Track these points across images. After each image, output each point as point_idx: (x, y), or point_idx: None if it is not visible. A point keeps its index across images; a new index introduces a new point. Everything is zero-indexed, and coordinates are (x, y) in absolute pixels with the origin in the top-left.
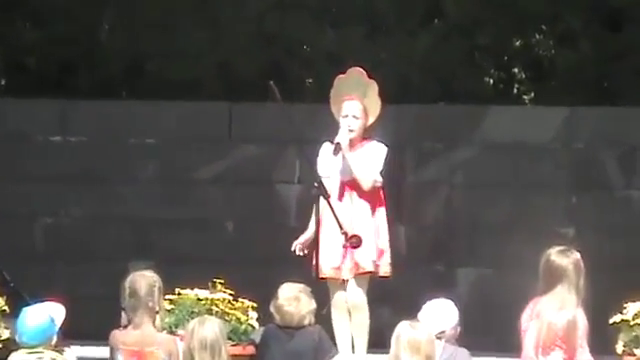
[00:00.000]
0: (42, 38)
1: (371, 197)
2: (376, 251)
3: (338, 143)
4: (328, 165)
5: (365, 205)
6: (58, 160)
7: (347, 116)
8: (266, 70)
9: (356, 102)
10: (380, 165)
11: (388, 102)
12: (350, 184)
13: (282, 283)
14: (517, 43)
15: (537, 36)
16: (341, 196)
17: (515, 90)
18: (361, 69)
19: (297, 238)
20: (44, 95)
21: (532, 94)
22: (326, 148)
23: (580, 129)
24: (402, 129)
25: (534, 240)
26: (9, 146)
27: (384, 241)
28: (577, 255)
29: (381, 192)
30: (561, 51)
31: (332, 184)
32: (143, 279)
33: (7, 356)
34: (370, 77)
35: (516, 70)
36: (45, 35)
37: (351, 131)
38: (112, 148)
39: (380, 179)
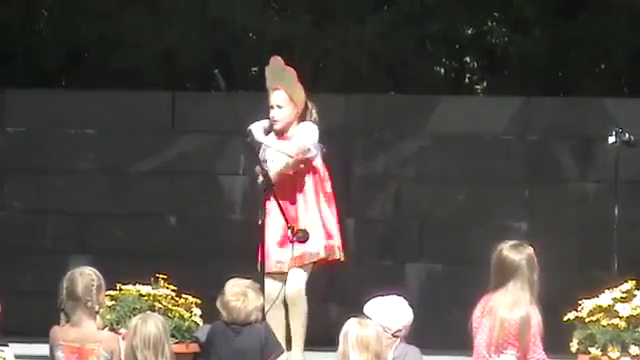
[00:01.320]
0: None
1: (309, 182)
2: (324, 236)
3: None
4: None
5: (306, 191)
6: None
7: (272, 107)
8: (210, 58)
9: (280, 92)
10: (306, 138)
11: (336, 92)
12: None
13: (227, 278)
14: (469, 31)
15: (490, 24)
16: (282, 185)
17: (467, 80)
18: (279, 57)
19: (242, 231)
20: None
21: (484, 84)
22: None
23: (533, 120)
24: (350, 119)
25: (486, 235)
26: None
27: (332, 225)
28: (530, 250)
29: (320, 176)
30: (514, 39)
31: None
32: (81, 278)
33: None
34: (287, 64)
35: (468, 59)
36: None
37: (275, 121)
38: (51, 139)
39: (314, 151)
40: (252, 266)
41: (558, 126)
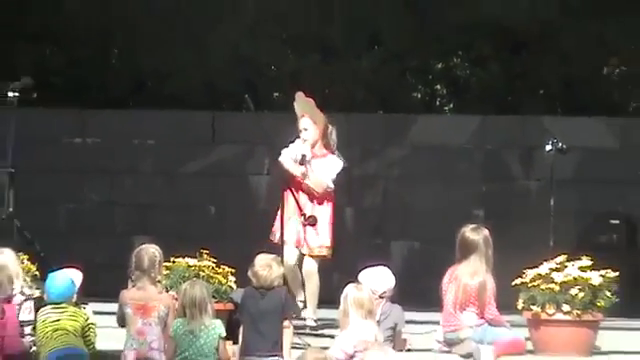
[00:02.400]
0: (66, 61)
1: (323, 197)
2: (328, 238)
3: (304, 155)
4: (293, 155)
5: (319, 202)
6: (78, 157)
7: (301, 130)
8: (242, 86)
9: (305, 118)
10: (334, 175)
11: (338, 111)
12: (308, 186)
13: (255, 254)
14: (439, 66)
15: (455, 60)
16: (301, 192)
17: (438, 102)
18: (301, 92)
19: (266, 219)
20: (67, 106)
21: (451, 105)
22: (300, 145)
23: (489, 133)
24: (350, 133)
25: (452, 220)
26: (40, 146)
27: (328, 232)
28: (486, 232)
29: (332, 196)
30: (474, 72)
31: (295, 182)
32: (147, 255)
33: (38, 310)
34: (307, 96)
35: (438, 87)
36: (68, 58)
37: (305, 140)
38: (120, 147)
39: (332, 186)
40: (270, 249)
41: (508, 138)
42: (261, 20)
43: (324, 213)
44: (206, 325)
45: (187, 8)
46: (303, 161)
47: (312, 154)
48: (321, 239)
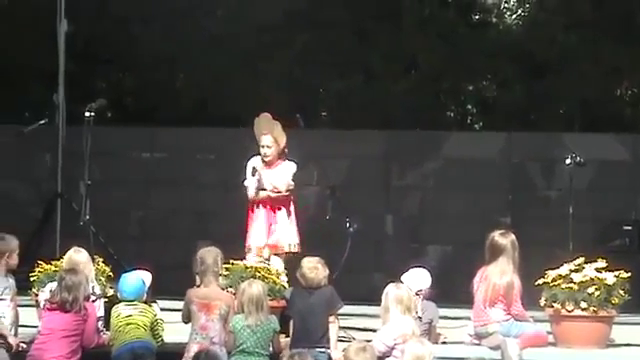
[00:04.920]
0: (136, 84)
1: (286, 199)
2: (296, 235)
3: (254, 167)
4: (253, 174)
5: (283, 205)
6: (147, 170)
7: (263, 146)
8: (294, 106)
9: (268, 136)
10: (291, 175)
11: (380, 129)
12: (270, 197)
13: (303, 257)
14: (470, 88)
15: (484, 83)
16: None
17: (468, 120)
18: (268, 114)
19: (312, 226)
20: (138, 124)
21: (480, 123)
22: (253, 160)
23: (515, 148)
24: (390, 148)
25: (482, 226)
26: (113, 160)
27: (295, 228)
28: (513, 236)
29: (291, 199)
30: (501, 93)
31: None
32: (209, 253)
33: (112, 307)
34: (274, 119)
35: (469, 106)
36: (138, 82)
37: (266, 156)
38: (185, 161)
39: (292, 183)
40: (318, 251)
41: (531, 152)
42: (312, 49)
43: (288, 216)
44: (262, 321)
45: (245, 38)
46: (254, 172)
47: (267, 165)
48: (290, 238)
